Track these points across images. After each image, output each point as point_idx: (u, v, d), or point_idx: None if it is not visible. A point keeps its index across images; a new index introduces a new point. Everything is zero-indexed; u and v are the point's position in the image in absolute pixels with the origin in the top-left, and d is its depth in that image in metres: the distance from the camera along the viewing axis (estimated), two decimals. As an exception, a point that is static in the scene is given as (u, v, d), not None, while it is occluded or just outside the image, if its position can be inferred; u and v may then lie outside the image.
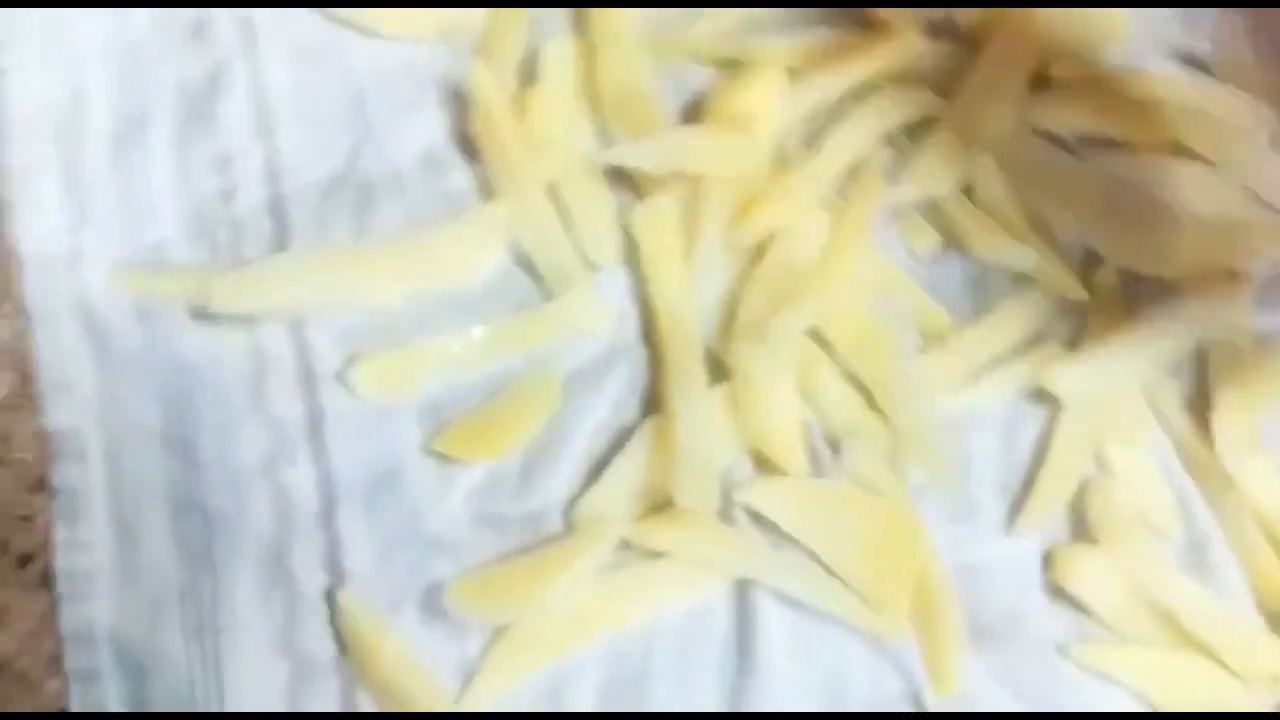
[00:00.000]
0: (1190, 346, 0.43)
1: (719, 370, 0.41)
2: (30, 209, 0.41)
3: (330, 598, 0.39)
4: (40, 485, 0.40)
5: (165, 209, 0.41)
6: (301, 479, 0.40)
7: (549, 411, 0.41)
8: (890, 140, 0.44)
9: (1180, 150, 0.43)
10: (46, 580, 0.39)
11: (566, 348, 0.41)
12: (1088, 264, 0.43)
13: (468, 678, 0.38)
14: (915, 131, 0.44)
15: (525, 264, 0.42)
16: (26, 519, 0.39)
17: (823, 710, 0.39)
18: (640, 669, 0.39)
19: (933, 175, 0.43)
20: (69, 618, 0.39)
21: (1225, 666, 0.40)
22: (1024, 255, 0.43)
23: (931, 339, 0.42)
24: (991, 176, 0.43)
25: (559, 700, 0.38)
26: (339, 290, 0.41)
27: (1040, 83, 0.44)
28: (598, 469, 0.40)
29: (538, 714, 0.39)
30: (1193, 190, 0.43)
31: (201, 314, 0.40)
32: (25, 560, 0.39)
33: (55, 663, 0.38)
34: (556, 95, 0.42)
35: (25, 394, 0.40)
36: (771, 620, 0.39)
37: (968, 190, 0.43)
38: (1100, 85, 0.44)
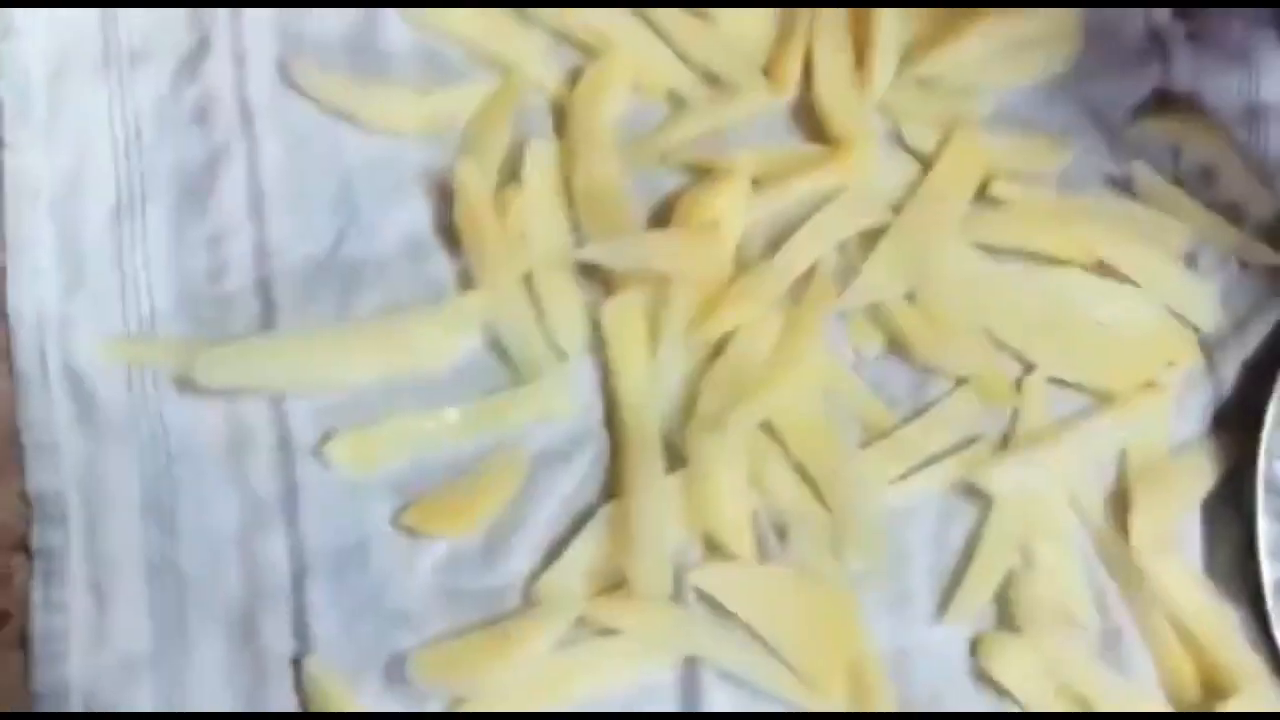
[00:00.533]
0: (1112, 450, 0.44)
1: (676, 458, 0.42)
2: (26, 275, 0.41)
3: (297, 664, 0.39)
4: (20, 545, 0.39)
5: (157, 283, 0.41)
6: (274, 548, 0.40)
7: (512, 491, 0.41)
8: (842, 246, 0.45)
9: (1106, 268, 0.45)
10: (23, 640, 0.39)
11: (533, 431, 0.42)
12: (1020, 370, 0.44)
13: None
14: (866, 238, 0.45)
15: (498, 350, 0.42)
16: (4, 578, 0.39)
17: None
18: None
19: (880, 281, 0.44)
20: (42, 678, 0.39)
21: None
22: (961, 360, 0.44)
23: (874, 434, 0.43)
24: (934, 285, 0.44)
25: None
26: (319, 369, 0.41)
27: (982, 198, 0.45)
28: (557, 549, 0.41)
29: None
30: (1116, 306, 0.45)
31: (186, 385, 0.40)
32: (3, 620, 0.39)
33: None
34: (535, 193, 0.42)
35: (8, 455, 0.40)
36: (716, 697, 0.40)
37: (911, 296, 0.44)
38: (1036, 205, 0.45)
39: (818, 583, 0.41)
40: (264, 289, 0.42)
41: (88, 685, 0.39)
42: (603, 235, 0.43)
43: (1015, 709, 0.42)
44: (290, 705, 0.39)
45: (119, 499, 0.40)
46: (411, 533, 0.41)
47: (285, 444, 0.41)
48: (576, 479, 0.42)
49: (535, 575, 0.40)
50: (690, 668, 0.40)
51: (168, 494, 0.40)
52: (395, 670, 0.39)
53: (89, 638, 0.39)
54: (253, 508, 0.40)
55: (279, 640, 0.40)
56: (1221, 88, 0.48)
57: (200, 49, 0.43)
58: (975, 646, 0.42)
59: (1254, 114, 0.48)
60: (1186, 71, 0.48)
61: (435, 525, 0.41)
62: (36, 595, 0.39)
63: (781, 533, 0.42)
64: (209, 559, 0.40)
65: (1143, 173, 0.46)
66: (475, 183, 0.42)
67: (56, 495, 0.40)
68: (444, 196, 0.43)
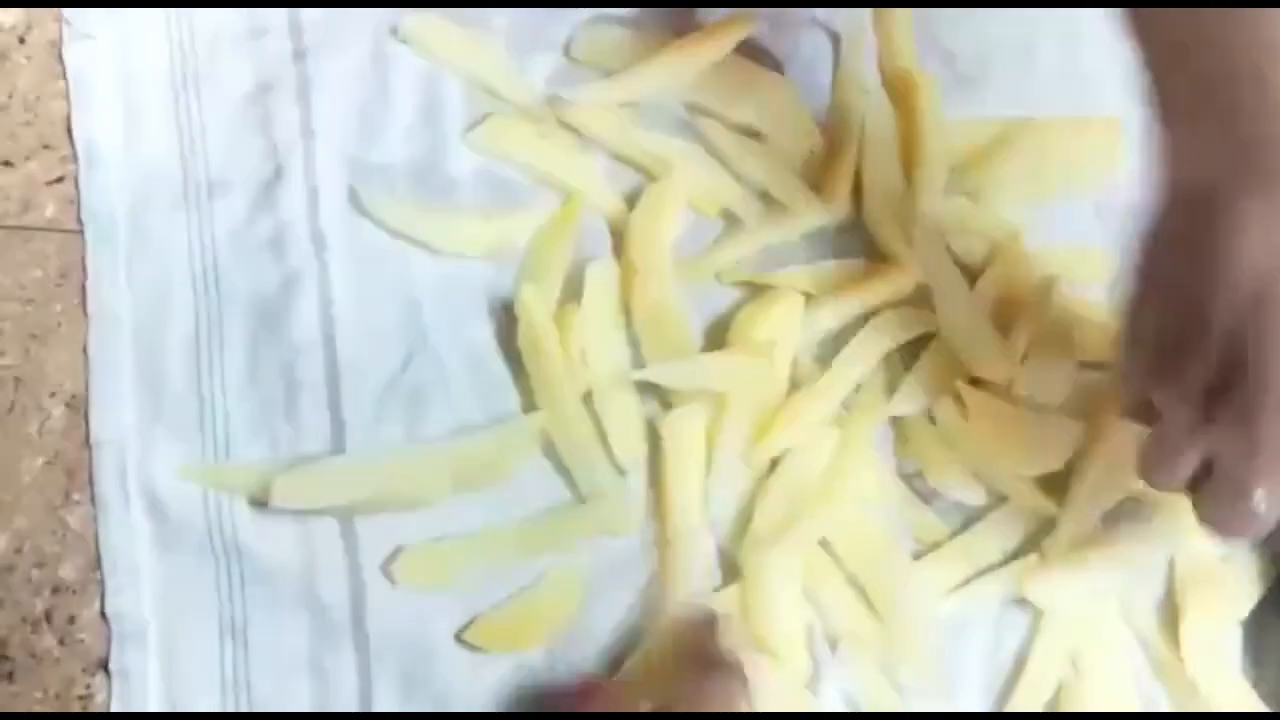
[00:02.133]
0: (1161, 559, 0.41)
1: (732, 571, 0.39)
2: (108, 402, 0.38)
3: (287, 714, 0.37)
4: (101, 665, 0.37)
5: (234, 408, 0.39)
6: (344, 666, 0.37)
7: (572, 609, 0.38)
8: (887, 357, 0.42)
9: None
10: None
11: (594, 546, 0.39)
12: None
13: None
14: (912, 346, 0.42)
15: (559, 467, 0.39)
16: (85, 698, 0.37)
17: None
18: None
19: (926, 391, 0.41)
20: None
21: None
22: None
23: (927, 546, 0.40)
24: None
25: None
26: (387, 490, 0.38)
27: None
28: (616, 663, 0.38)
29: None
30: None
31: (260, 508, 0.38)
32: None
33: None
34: (595, 313, 0.40)
35: (91, 579, 0.37)
36: None
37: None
38: (1086, 312, 0.42)
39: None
40: (335, 410, 0.39)
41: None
42: (661, 354, 0.40)
43: None
44: None
45: (195, 619, 0.37)
46: (474, 648, 0.38)
47: (354, 563, 0.38)
48: (634, 593, 0.39)
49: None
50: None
51: (241, 613, 0.37)
52: None
53: None
54: (323, 626, 0.37)
55: None
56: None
57: (275, 178, 0.40)
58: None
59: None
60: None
61: (498, 643, 0.38)
62: (116, 712, 0.37)
63: (834, 645, 0.39)
64: (282, 678, 0.37)
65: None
66: (536, 304, 0.39)
67: (135, 616, 0.37)
68: (508, 317, 0.40)
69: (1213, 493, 0.33)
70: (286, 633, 0.37)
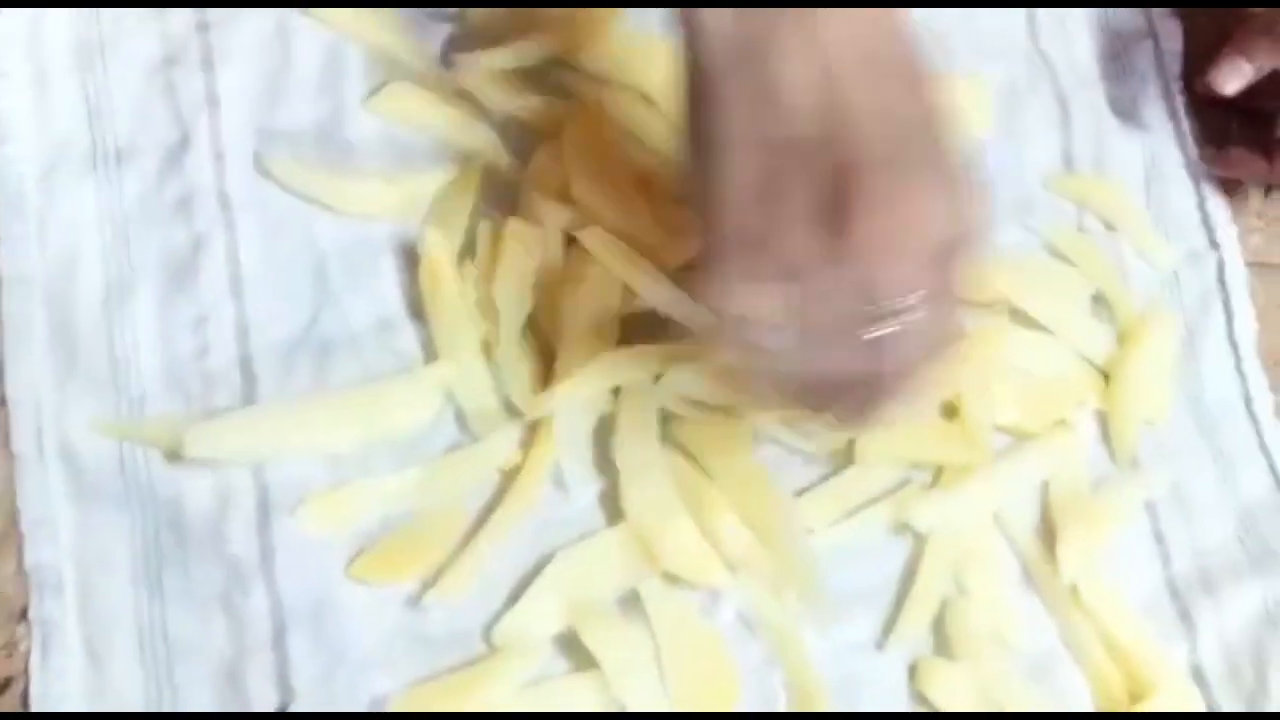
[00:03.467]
0: (1034, 484, 0.42)
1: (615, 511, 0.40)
2: (21, 361, 0.39)
3: (281, 713, 0.37)
4: (22, 615, 0.37)
5: (146, 364, 0.39)
6: (255, 607, 0.38)
7: (452, 542, 0.39)
8: None
9: (1019, 316, 0.43)
10: (25, 703, 0.37)
11: (485, 486, 0.40)
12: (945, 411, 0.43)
13: None
14: None
15: (458, 413, 0.40)
16: (10, 646, 0.37)
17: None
18: None
19: None
20: None
21: None
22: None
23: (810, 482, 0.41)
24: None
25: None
26: (297, 439, 0.39)
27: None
28: (514, 594, 0.39)
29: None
30: (1030, 351, 0.43)
31: (174, 459, 0.39)
32: (5, 684, 0.37)
33: None
34: (505, 267, 0.41)
35: (10, 532, 0.38)
36: None
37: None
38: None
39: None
40: (245, 365, 0.40)
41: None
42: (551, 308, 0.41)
43: None
44: None
45: (111, 568, 0.38)
46: (366, 583, 0.38)
47: (264, 509, 0.39)
48: (523, 532, 0.39)
49: (495, 619, 0.38)
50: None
51: (155, 560, 0.38)
52: (375, 707, 0.37)
53: (86, 700, 0.37)
54: (234, 570, 0.38)
55: (264, 692, 0.37)
56: (1123, 153, 0.47)
57: (181, 145, 0.41)
58: (913, 671, 0.40)
59: (1151, 177, 0.47)
60: (1089, 139, 0.47)
61: (379, 575, 0.38)
62: (36, 661, 0.37)
63: (732, 570, 0.40)
64: (196, 620, 0.38)
65: (1051, 229, 0.45)
66: (440, 252, 0.41)
67: (53, 567, 0.38)
68: (411, 274, 0.41)
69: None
70: (199, 578, 0.38)
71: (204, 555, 0.38)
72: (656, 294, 0.41)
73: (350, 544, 0.39)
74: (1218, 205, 0.47)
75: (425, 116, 0.43)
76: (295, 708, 0.37)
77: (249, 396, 0.40)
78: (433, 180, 0.43)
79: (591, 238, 0.41)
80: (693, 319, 0.40)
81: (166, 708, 0.37)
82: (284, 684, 0.37)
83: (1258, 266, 0.46)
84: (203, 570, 0.38)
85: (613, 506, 0.40)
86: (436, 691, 0.37)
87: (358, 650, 0.38)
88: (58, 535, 0.38)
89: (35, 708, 0.37)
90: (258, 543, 0.39)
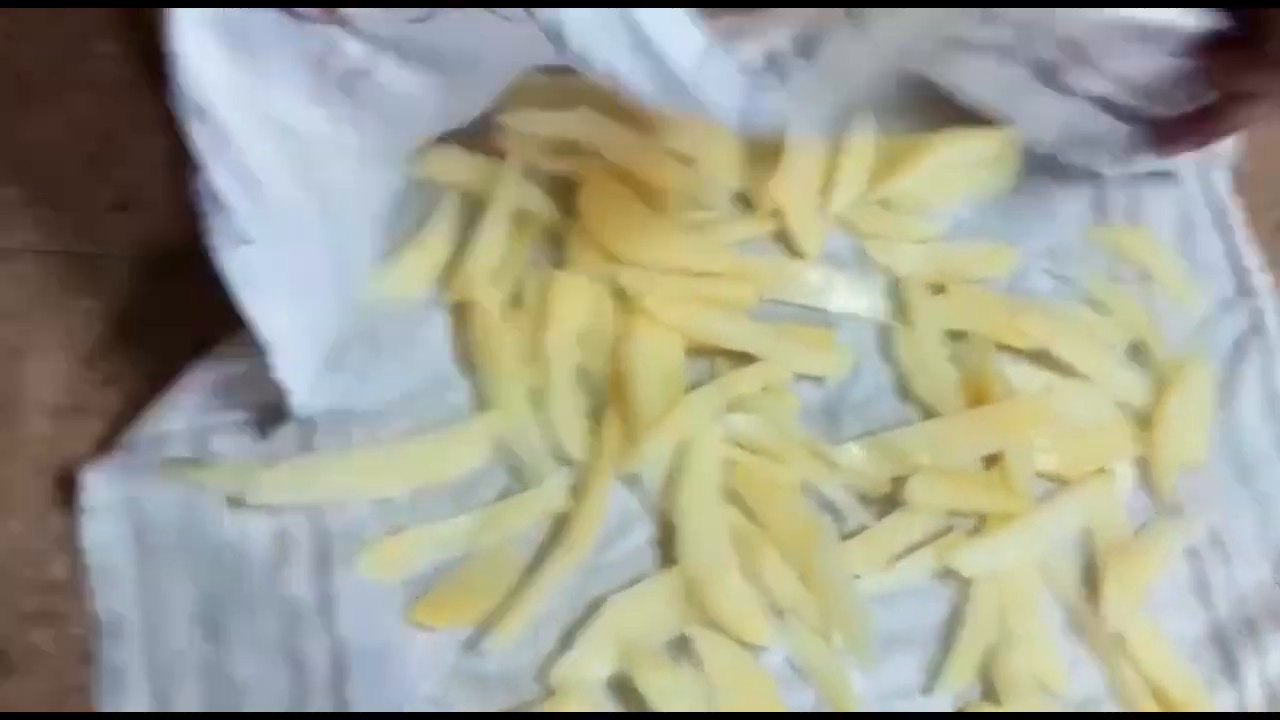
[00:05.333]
0: (1077, 531, 0.42)
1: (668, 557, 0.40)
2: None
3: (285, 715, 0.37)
4: (91, 658, 0.38)
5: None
6: (315, 651, 0.38)
7: (506, 586, 0.39)
8: None
9: (1054, 362, 0.43)
10: None
11: (538, 530, 0.40)
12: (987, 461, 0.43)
13: None
14: None
15: (508, 460, 0.41)
16: (78, 688, 0.38)
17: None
18: None
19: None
20: None
21: None
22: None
23: (856, 528, 0.41)
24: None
25: None
26: (354, 486, 0.40)
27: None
28: (568, 638, 0.39)
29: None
30: (1067, 398, 0.43)
31: (236, 505, 0.39)
32: None
33: None
34: (538, 318, 0.42)
35: (79, 577, 0.39)
36: None
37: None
38: (987, 301, 0.45)
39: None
40: (305, 416, 0.40)
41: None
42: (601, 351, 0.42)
43: None
44: None
45: (174, 614, 0.38)
46: (423, 628, 0.39)
47: (323, 555, 0.39)
48: (583, 574, 0.40)
49: (548, 662, 0.38)
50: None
51: (218, 606, 0.39)
52: None
53: None
54: (294, 615, 0.38)
55: None
56: (1155, 203, 0.48)
57: None
58: (961, 713, 0.40)
59: (1186, 225, 0.47)
60: (1122, 189, 0.47)
61: (437, 619, 0.39)
62: (105, 704, 0.38)
63: (779, 617, 0.40)
64: (257, 664, 0.38)
65: (1086, 276, 0.46)
66: (489, 308, 0.42)
67: (118, 614, 0.38)
68: (461, 327, 0.42)
69: None
70: (260, 623, 0.38)
71: (265, 600, 0.39)
72: (727, 332, 0.42)
73: (406, 589, 0.39)
74: (1251, 253, 0.47)
75: (470, 175, 0.44)
76: None
77: (306, 444, 0.40)
78: (482, 238, 0.43)
79: (647, 287, 0.42)
80: (763, 347, 0.42)
81: None
82: None
83: None
84: (264, 615, 0.39)
85: (663, 550, 0.40)
86: None
87: (415, 693, 0.38)
88: (122, 581, 0.39)
89: None
90: (316, 588, 0.39)
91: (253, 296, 0.35)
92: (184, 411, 0.40)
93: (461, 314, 0.42)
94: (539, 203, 0.44)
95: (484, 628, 0.39)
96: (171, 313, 0.42)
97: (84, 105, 0.44)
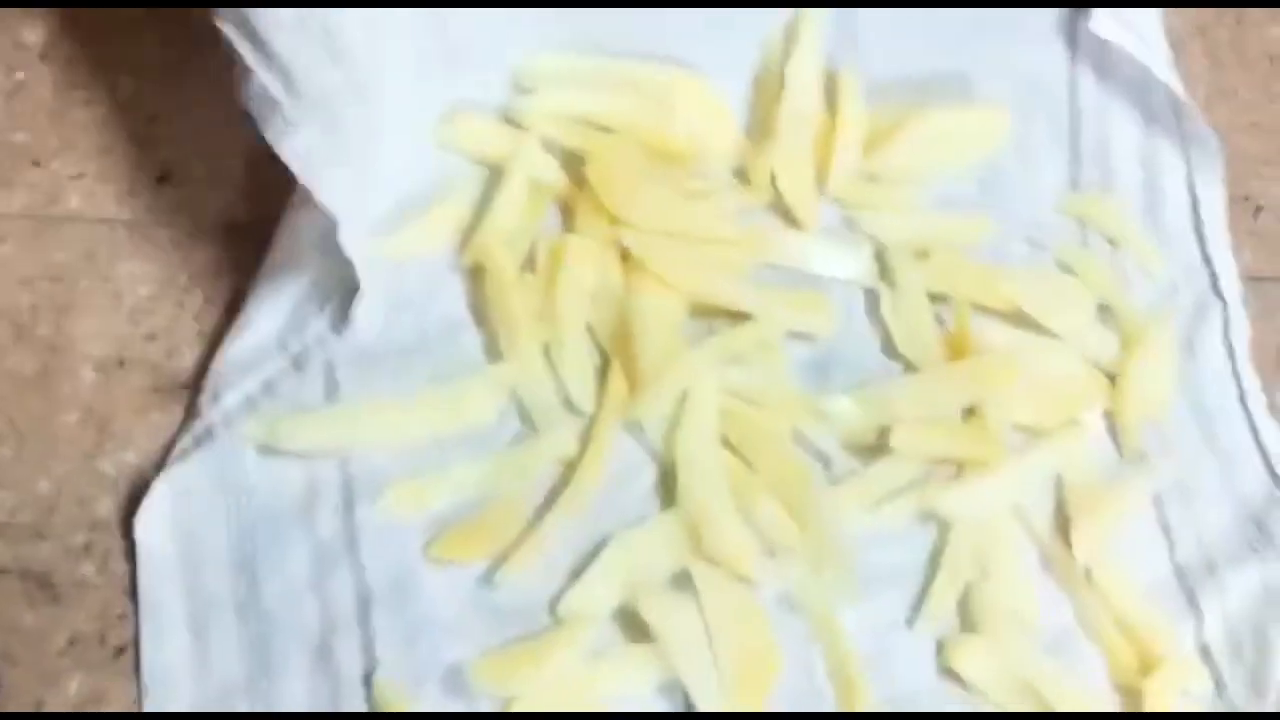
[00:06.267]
0: (1050, 477, 0.45)
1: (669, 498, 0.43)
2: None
3: (367, 680, 0.40)
4: (134, 590, 0.41)
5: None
6: (341, 585, 0.41)
7: (518, 526, 0.42)
8: None
9: (1030, 324, 0.46)
10: (137, 668, 0.40)
11: (548, 475, 0.43)
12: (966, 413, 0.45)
13: None
14: None
15: (521, 409, 0.44)
16: (122, 618, 0.41)
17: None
18: None
19: None
20: (153, 705, 0.40)
21: None
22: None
23: (843, 472, 0.44)
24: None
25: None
26: (377, 433, 0.43)
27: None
28: (576, 572, 0.42)
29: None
30: (1042, 356, 0.46)
31: (268, 452, 0.42)
32: (120, 651, 0.40)
33: None
34: (548, 279, 0.45)
35: (122, 517, 0.42)
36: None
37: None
38: (969, 267, 0.47)
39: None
40: (329, 367, 0.43)
41: (192, 710, 0.40)
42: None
43: (978, 701, 0.41)
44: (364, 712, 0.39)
45: (210, 552, 0.41)
46: (441, 563, 0.41)
47: (348, 498, 0.42)
48: (592, 514, 0.42)
49: (559, 595, 0.41)
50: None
51: (251, 545, 0.41)
52: (450, 679, 0.40)
53: (191, 671, 0.40)
54: (321, 553, 0.41)
55: (351, 662, 0.40)
56: (1125, 176, 0.50)
57: None
58: (941, 648, 0.42)
59: (1156, 196, 0.50)
60: (1095, 163, 0.50)
61: (454, 554, 0.41)
62: (146, 636, 0.40)
63: (771, 555, 0.42)
64: (288, 599, 0.41)
65: (1059, 245, 0.48)
66: (503, 267, 0.44)
67: (158, 551, 0.41)
68: (477, 285, 0.45)
69: None
70: (291, 561, 0.41)
71: (295, 540, 0.41)
72: (725, 292, 0.45)
73: (426, 528, 0.42)
74: (1214, 222, 0.49)
75: (491, 146, 0.47)
76: (380, 674, 0.40)
77: (333, 395, 0.43)
78: (499, 204, 0.46)
79: (649, 248, 0.45)
80: (758, 306, 0.44)
81: (264, 679, 0.40)
82: (369, 654, 0.40)
83: (1249, 279, 0.49)
84: (294, 553, 0.41)
85: (665, 493, 0.43)
86: (508, 658, 0.40)
87: (435, 622, 0.41)
88: (163, 522, 0.41)
89: (145, 678, 0.40)
90: (342, 527, 0.42)
91: (310, 174, 0.39)
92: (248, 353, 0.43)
93: (478, 275, 0.45)
94: (554, 173, 0.47)
95: (497, 563, 0.41)
96: (205, 276, 0.45)
97: (129, 88, 0.47)
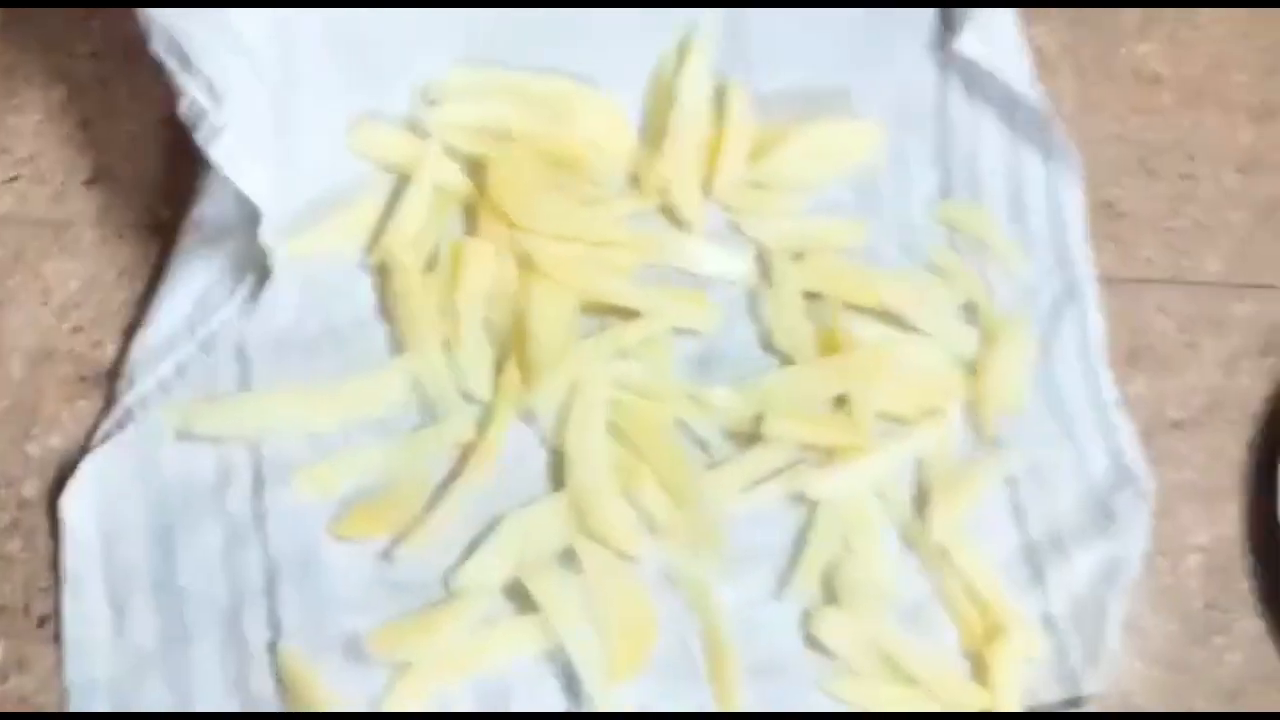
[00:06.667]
0: (912, 462, 0.48)
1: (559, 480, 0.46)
2: None
3: (272, 649, 0.43)
4: (56, 564, 0.43)
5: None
6: (251, 561, 0.44)
7: (417, 507, 0.45)
8: None
9: (898, 320, 0.50)
10: (58, 637, 0.43)
11: (446, 459, 0.46)
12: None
13: (374, 705, 0.43)
14: None
15: (422, 399, 0.47)
16: (45, 589, 0.43)
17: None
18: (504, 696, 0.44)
19: None
20: (73, 672, 0.42)
21: (936, 698, 0.45)
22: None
23: (720, 459, 0.47)
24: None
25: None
26: (287, 419, 0.45)
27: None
28: (470, 549, 0.45)
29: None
30: (909, 350, 0.50)
31: (183, 435, 0.45)
32: (43, 620, 0.43)
33: (64, 698, 0.42)
34: (468, 281, 0.48)
35: (47, 497, 0.45)
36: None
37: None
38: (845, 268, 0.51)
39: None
40: (241, 354, 0.46)
41: (110, 677, 0.43)
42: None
43: (838, 667, 0.45)
44: (269, 683, 0.42)
45: (130, 530, 0.44)
46: (344, 540, 0.44)
47: (258, 479, 0.45)
48: (486, 495, 0.45)
49: (453, 569, 0.44)
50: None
51: (167, 524, 0.44)
52: (350, 647, 0.43)
53: (109, 640, 0.43)
54: (232, 530, 0.44)
55: (257, 632, 0.43)
56: (991, 184, 0.53)
57: None
58: (807, 618, 0.45)
59: (1018, 205, 0.53)
60: (963, 171, 0.54)
61: (356, 531, 0.44)
62: (67, 606, 0.43)
63: (652, 534, 0.46)
64: (200, 573, 0.44)
65: (929, 247, 0.52)
66: (409, 267, 0.48)
67: (80, 528, 0.44)
68: (384, 285, 0.48)
69: None
70: (203, 538, 0.44)
71: (207, 518, 0.44)
72: (614, 290, 0.48)
73: (330, 508, 0.45)
74: (1073, 228, 0.53)
75: (398, 153, 0.50)
76: (283, 642, 0.43)
77: (245, 383, 0.46)
78: (405, 208, 0.49)
79: (544, 250, 0.48)
80: (645, 304, 0.48)
81: (177, 647, 0.43)
82: (275, 624, 0.43)
83: (1108, 280, 0.52)
84: (206, 532, 0.44)
85: (554, 477, 0.46)
86: (404, 628, 0.43)
87: (337, 595, 0.44)
88: (85, 499, 0.44)
89: (67, 648, 0.43)
90: (252, 507, 0.45)
91: (235, 172, 0.43)
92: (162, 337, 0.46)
93: (385, 273, 0.48)
94: (457, 179, 0.50)
95: (397, 540, 0.45)
96: (129, 272, 0.48)
97: (60, 97, 0.50)
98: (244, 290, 0.47)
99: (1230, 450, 0.50)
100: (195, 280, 0.47)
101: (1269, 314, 0.52)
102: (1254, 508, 0.49)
